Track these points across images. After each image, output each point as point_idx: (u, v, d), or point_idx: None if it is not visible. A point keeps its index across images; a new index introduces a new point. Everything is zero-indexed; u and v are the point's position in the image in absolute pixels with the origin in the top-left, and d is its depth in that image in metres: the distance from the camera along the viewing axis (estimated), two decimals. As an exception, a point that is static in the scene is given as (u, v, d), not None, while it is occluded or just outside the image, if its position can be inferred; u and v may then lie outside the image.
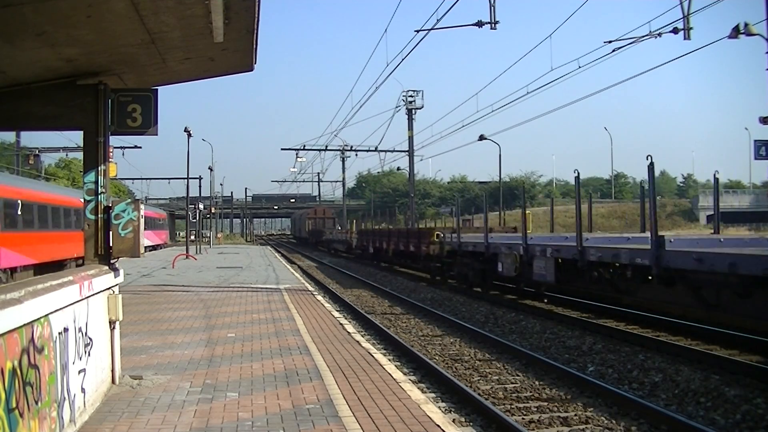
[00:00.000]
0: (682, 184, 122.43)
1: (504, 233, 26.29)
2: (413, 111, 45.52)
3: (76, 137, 42.79)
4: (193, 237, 49.84)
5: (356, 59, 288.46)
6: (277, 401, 6.77)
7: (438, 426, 5.97)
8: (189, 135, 38.69)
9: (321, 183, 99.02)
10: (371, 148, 53.72)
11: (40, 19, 5.40)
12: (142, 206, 7.58)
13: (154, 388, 7.35)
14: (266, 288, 19.36)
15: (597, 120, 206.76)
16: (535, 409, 8.21)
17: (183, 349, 9.63)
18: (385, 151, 53.72)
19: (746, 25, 19.99)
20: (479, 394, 8.75)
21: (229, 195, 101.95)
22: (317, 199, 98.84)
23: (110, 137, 7.63)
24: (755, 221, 67.38)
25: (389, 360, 10.01)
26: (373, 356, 9.26)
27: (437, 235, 25.08)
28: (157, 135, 7.86)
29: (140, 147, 47.99)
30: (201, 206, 54.70)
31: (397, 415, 6.30)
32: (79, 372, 5.85)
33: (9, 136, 50.87)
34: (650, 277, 11.26)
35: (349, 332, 11.35)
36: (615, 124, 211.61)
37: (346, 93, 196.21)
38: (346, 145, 59.89)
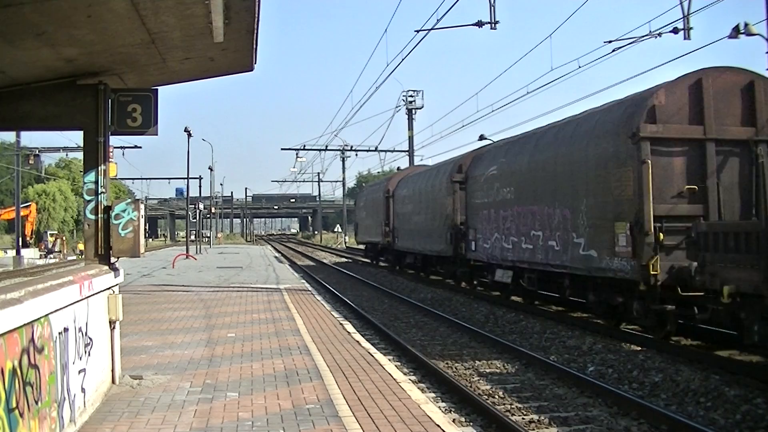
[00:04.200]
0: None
1: None
2: (413, 111, 45.50)
3: (76, 137, 42.92)
4: (193, 237, 49.83)
5: (356, 59, 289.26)
6: (277, 401, 6.77)
7: (438, 426, 5.96)
8: (189, 135, 38.71)
9: (321, 183, 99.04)
10: (371, 148, 53.75)
11: (40, 19, 5.40)
12: (141, 206, 7.59)
13: (154, 388, 7.35)
14: (266, 288, 19.35)
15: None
16: (535, 409, 8.21)
17: (183, 349, 9.63)
18: (385, 151, 53.77)
19: (746, 25, 19.92)
20: (479, 394, 8.75)
21: (229, 195, 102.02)
22: (317, 199, 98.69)
23: (110, 137, 7.63)
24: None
25: (389, 360, 10.00)
26: (373, 356, 9.25)
27: None
28: (157, 135, 7.86)
29: (140, 147, 47.94)
30: (201, 206, 54.74)
31: (397, 415, 6.29)
32: (79, 372, 5.85)
33: (9, 136, 50.93)
34: None
35: (349, 332, 11.34)
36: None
37: (346, 93, 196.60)
38: (346, 145, 59.91)
